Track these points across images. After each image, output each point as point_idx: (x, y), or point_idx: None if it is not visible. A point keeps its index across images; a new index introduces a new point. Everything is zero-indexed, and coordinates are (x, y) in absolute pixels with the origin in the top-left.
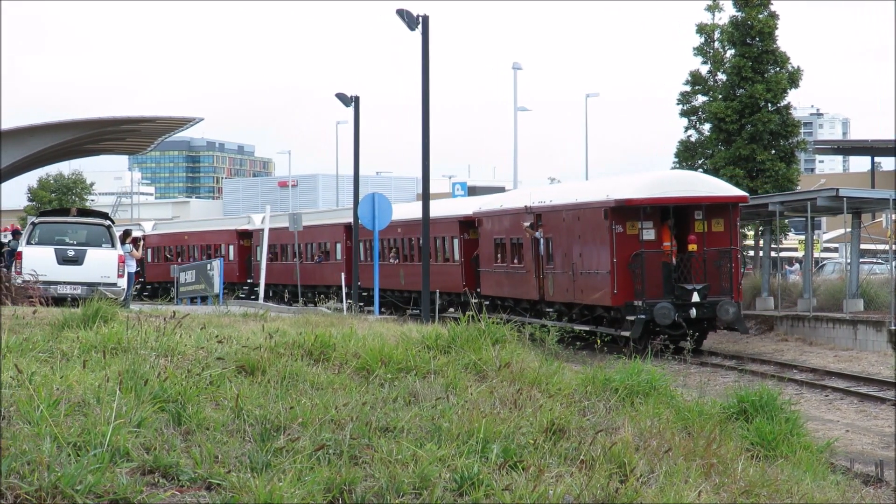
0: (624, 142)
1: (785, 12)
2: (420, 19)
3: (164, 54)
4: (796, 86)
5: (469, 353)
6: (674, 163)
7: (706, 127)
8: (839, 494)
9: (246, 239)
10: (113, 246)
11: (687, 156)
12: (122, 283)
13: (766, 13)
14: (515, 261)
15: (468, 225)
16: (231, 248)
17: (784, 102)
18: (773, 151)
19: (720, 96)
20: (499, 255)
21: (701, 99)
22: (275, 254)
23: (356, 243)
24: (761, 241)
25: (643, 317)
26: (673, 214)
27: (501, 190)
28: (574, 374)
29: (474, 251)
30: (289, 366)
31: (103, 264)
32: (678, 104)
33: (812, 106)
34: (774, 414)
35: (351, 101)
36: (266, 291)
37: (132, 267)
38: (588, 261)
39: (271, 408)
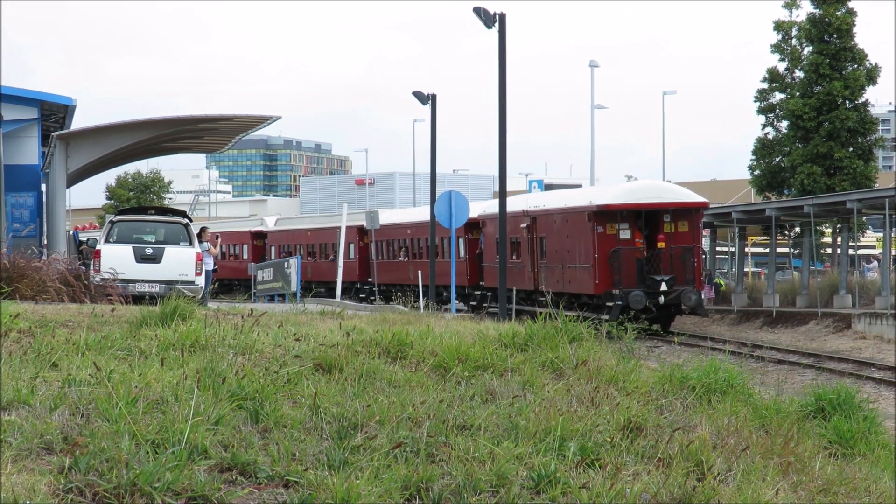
0: (701, 139)
1: (862, 9)
2: (497, 17)
3: (242, 54)
4: (874, 83)
5: (546, 351)
6: (751, 160)
7: (784, 124)
8: None
9: (259, 239)
10: (191, 244)
11: (764, 153)
12: (200, 281)
13: (843, 10)
14: (514, 256)
15: (471, 226)
16: (245, 247)
17: (862, 99)
18: (851, 149)
19: (798, 93)
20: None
21: (778, 96)
22: (287, 253)
23: (433, 241)
24: (839, 239)
25: (620, 303)
26: (644, 217)
27: (578, 187)
28: (651, 372)
29: (476, 249)
30: (366, 364)
31: (181, 262)
32: (756, 101)
33: (890, 103)
34: (852, 412)
35: (428, 100)
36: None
37: (210, 265)
38: (574, 256)
39: (348, 406)
